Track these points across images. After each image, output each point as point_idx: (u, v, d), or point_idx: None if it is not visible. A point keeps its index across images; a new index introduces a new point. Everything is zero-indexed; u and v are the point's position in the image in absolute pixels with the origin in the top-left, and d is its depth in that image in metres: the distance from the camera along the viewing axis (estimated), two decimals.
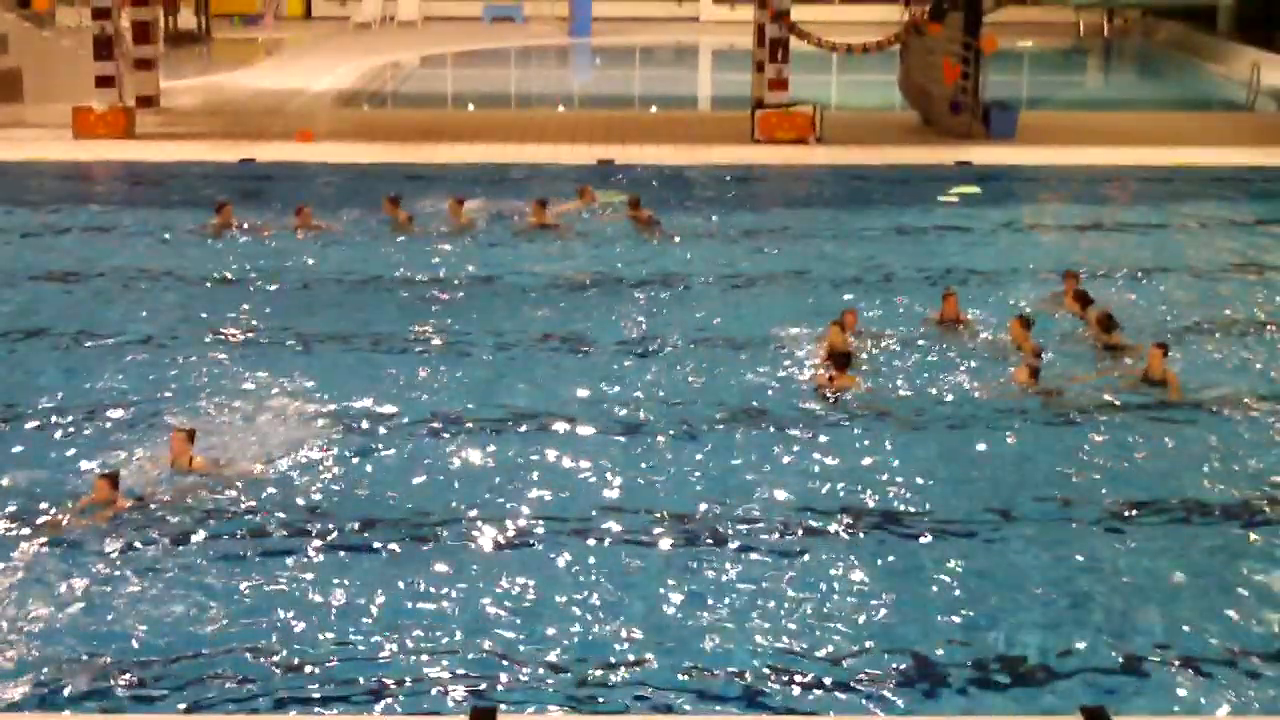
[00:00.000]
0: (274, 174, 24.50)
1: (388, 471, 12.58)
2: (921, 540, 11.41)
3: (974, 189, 23.86)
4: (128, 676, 9.37)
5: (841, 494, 12.20)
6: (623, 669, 9.60)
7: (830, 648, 9.85)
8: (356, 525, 11.51)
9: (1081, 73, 45.97)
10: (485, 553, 11.15)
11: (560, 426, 13.62)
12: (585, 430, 13.55)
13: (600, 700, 9.28)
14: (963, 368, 15.07)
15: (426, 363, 15.33)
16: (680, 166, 25.35)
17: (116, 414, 13.67)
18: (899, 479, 12.45)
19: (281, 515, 11.62)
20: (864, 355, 15.32)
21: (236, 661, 9.55)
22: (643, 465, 12.80)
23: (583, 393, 14.47)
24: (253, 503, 11.81)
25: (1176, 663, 9.69)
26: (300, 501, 11.90)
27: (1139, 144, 27.44)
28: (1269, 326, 16.82)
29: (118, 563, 10.77)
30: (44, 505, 11.64)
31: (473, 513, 11.77)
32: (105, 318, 16.74)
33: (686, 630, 10.05)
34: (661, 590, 10.56)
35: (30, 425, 13.49)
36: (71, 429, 13.35)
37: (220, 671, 9.44)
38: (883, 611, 10.31)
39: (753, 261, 19.54)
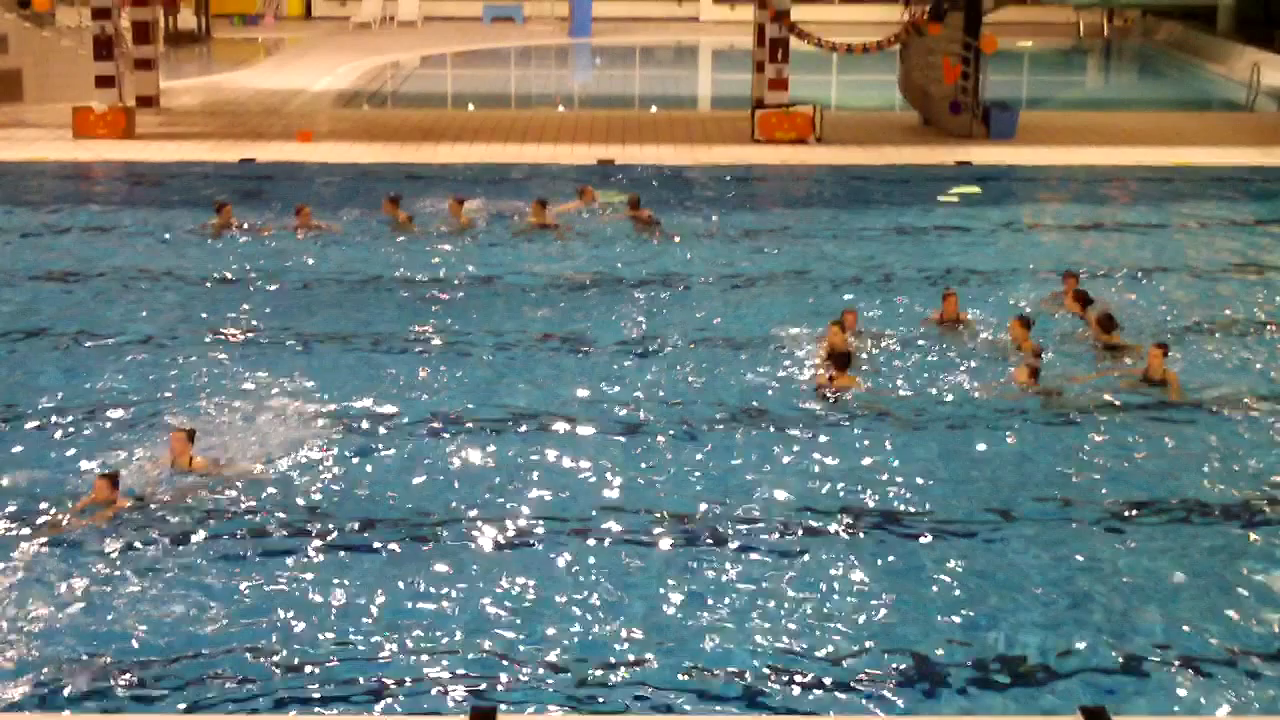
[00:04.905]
0: (274, 174, 24.51)
1: (388, 471, 12.59)
2: (921, 540, 11.41)
3: (974, 189, 23.87)
4: (128, 676, 9.38)
5: (841, 494, 12.20)
6: (623, 669, 9.60)
7: (830, 648, 9.85)
8: (356, 525, 11.52)
9: (1081, 73, 45.96)
10: (485, 553, 11.16)
11: (560, 426, 13.62)
12: (585, 430, 13.55)
13: (600, 700, 9.29)
14: (963, 368, 15.07)
15: (426, 363, 15.33)
16: (680, 166, 25.35)
17: (116, 414, 13.67)
18: (899, 479, 12.45)
19: (281, 515, 11.63)
20: (864, 355, 15.32)
21: (236, 661, 9.56)
22: (643, 465, 12.80)
23: (583, 393, 14.47)
24: (253, 503, 11.82)
25: (1176, 663, 9.70)
26: (300, 501, 11.90)
27: (1139, 144, 27.46)
28: (1269, 326, 16.82)
29: (118, 563, 10.77)
30: (44, 505, 11.65)
31: (473, 513, 11.78)
32: (105, 318, 16.74)
33: (686, 630, 10.06)
34: (661, 590, 10.57)
35: (30, 425, 13.49)
36: (71, 429, 13.36)
37: (220, 671, 9.44)
38: (883, 611, 10.31)
39: (753, 261, 19.55)
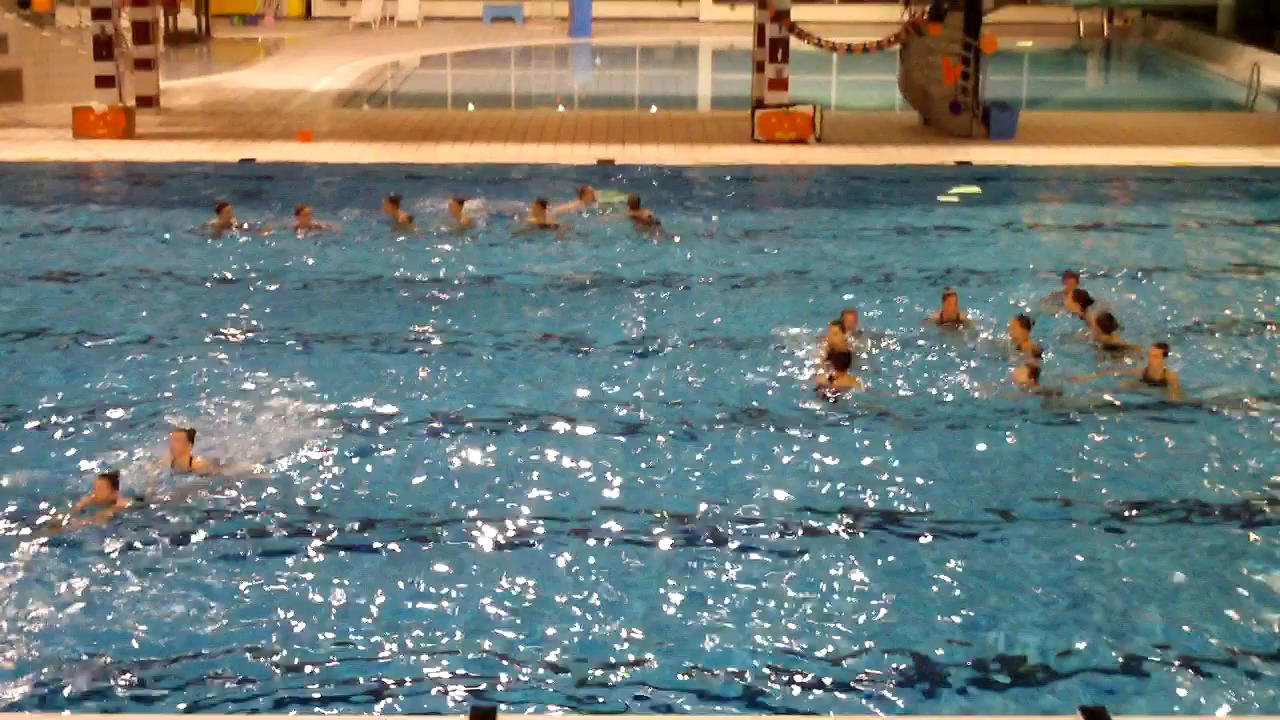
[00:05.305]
0: (274, 174, 24.51)
1: (388, 471, 12.59)
2: (921, 540, 11.41)
3: (974, 189, 23.87)
4: (128, 676, 9.38)
5: (841, 494, 12.20)
6: (623, 669, 9.60)
7: (830, 648, 9.85)
8: (356, 525, 11.52)
9: (1081, 73, 45.96)
10: (485, 553, 11.16)
11: (560, 426, 13.62)
12: (585, 430, 13.55)
13: (600, 700, 9.29)
14: (963, 368, 15.07)
15: (426, 363, 15.33)
16: (680, 166, 25.35)
17: (116, 414, 13.67)
18: (899, 479, 12.45)
19: (281, 515, 11.63)
20: (864, 355, 15.32)
21: (236, 661, 9.56)
22: (643, 465, 12.80)
23: (583, 393, 14.47)
24: (253, 503, 11.82)
25: (1176, 663, 9.70)
26: (300, 501, 11.90)
27: (1139, 144, 27.46)
28: (1269, 326, 16.82)
29: (118, 563, 10.77)
30: (44, 505, 11.65)
31: (473, 513, 11.78)
32: (105, 318, 16.74)
33: (686, 630, 10.06)
34: (661, 590, 10.57)
35: (30, 425, 13.49)
36: (71, 429, 13.36)
37: (220, 671, 9.44)
38: (883, 611, 10.31)
39: (753, 261, 19.54)
